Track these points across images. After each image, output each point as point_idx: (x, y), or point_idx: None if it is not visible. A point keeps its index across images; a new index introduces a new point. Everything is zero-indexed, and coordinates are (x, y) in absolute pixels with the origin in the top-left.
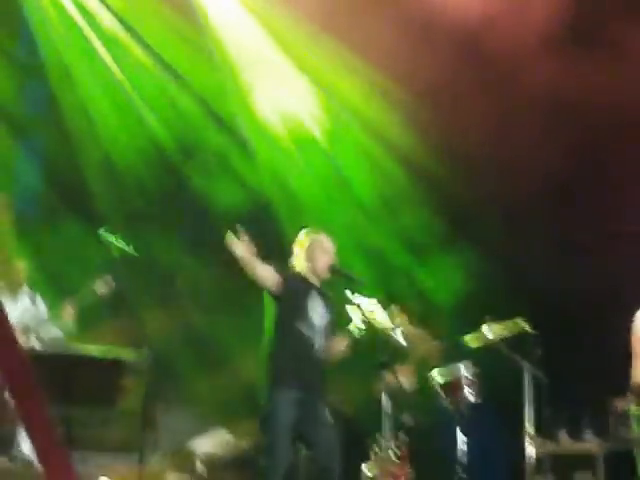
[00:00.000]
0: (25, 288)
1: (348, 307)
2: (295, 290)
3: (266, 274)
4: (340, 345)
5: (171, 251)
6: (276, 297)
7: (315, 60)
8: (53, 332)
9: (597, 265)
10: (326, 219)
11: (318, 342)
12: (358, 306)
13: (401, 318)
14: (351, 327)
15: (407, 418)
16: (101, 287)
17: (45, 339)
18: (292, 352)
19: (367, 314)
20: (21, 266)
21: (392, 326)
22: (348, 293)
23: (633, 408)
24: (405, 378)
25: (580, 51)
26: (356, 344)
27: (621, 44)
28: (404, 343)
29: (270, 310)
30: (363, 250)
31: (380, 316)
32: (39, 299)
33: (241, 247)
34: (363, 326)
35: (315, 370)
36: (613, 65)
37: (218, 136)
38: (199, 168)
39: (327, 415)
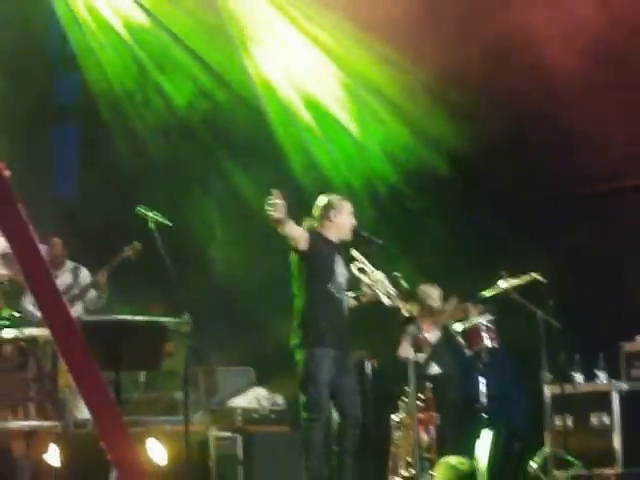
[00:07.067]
0: (68, 264)
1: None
2: (322, 251)
3: (299, 233)
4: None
5: (204, 221)
6: (305, 256)
7: (330, 37)
8: (95, 301)
9: (611, 217)
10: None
11: (344, 301)
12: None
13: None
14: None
15: (433, 367)
16: (128, 250)
17: (90, 308)
18: (326, 314)
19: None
20: (56, 242)
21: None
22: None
23: None
24: (428, 332)
25: None
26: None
27: None
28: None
29: (296, 273)
30: (381, 214)
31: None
32: (84, 271)
33: (277, 208)
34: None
35: (344, 327)
36: None
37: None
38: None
39: (351, 366)
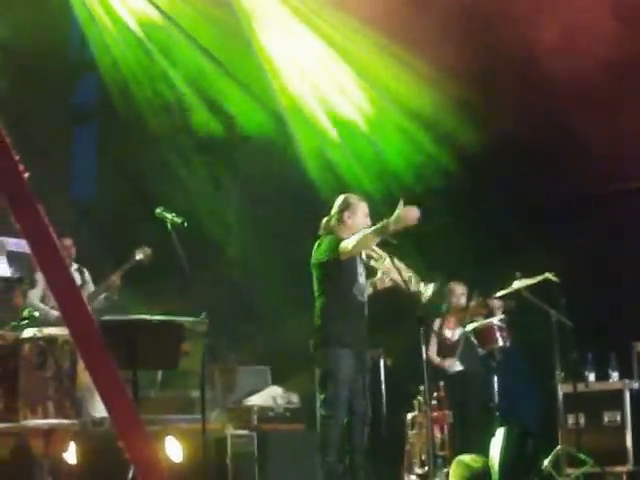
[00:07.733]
0: (74, 265)
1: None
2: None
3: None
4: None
5: (221, 222)
6: (334, 263)
7: (344, 38)
8: (102, 301)
9: (618, 218)
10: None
11: (365, 302)
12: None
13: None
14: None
15: (455, 365)
16: (139, 254)
17: (97, 308)
18: (348, 316)
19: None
20: (68, 243)
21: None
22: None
23: None
24: (449, 330)
25: None
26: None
27: None
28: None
29: (319, 276)
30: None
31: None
32: (86, 272)
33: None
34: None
35: (364, 327)
36: None
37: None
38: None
39: (367, 365)
